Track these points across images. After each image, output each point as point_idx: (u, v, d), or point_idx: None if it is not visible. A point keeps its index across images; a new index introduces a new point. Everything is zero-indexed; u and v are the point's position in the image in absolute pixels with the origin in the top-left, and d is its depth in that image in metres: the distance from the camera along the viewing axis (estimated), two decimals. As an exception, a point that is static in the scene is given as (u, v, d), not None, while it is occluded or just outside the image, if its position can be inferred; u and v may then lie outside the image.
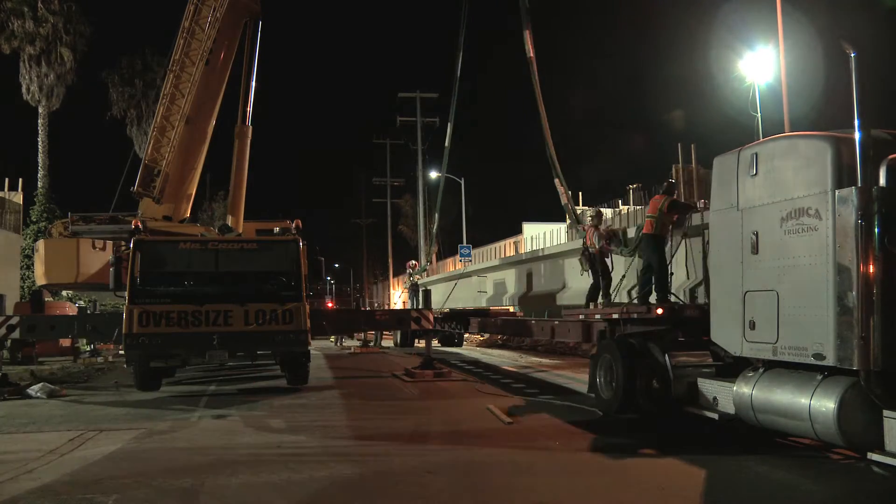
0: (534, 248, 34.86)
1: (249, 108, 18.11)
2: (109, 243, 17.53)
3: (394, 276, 66.26)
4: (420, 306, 20.77)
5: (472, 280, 26.67)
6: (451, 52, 26.71)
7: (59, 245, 18.08)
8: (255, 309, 13.94)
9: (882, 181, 7.11)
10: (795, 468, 7.89)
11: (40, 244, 18.93)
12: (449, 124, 27.21)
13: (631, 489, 7.25)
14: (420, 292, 24.04)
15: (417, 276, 32.13)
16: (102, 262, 16.85)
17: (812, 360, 7.52)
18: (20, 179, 37.05)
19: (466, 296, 27.41)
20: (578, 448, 9.13)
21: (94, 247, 18.02)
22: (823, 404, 7.25)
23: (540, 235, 42.29)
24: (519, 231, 49.93)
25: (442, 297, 30.49)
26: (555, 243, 34.78)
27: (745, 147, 8.98)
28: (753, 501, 6.85)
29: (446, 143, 27.45)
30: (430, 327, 17.83)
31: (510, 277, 21.72)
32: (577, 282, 16.39)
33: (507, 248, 50.05)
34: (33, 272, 24.06)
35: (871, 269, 6.99)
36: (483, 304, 24.91)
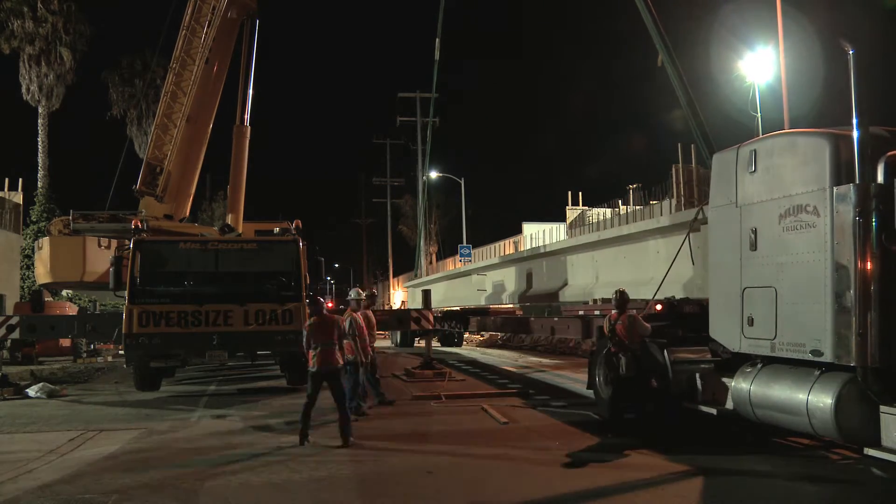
0: (534, 245, 34.82)
1: (248, 108, 18.11)
2: (114, 242, 17.52)
3: (394, 276, 66.24)
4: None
5: (471, 279, 26.68)
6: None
7: (64, 243, 18.07)
8: (254, 309, 13.96)
9: (880, 178, 7.12)
10: (795, 468, 7.90)
11: (44, 241, 18.88)
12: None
13: (630, 489, 7.25)
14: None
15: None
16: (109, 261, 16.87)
17: (810, 357, 7.53)
18: (20, 179, 37.10)
19: (466, 294, 27.43)
20: (577, 448, 9.12)
21: (99, 245, 18.02)
22: (821, 400, 7.26)
23: (539, 234, 42.29)
24: (519, 231, 49.97)
25: (442, 296, 30.57)
26: (555, 240, 34.78)
27: (744, 144, 8.98)
28: (753, 501, 6.85)
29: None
30: (430, 327, 17.83)
31: (510, 275, 21.72)
32: (579, 279, 16.40)
33: (506, 247, 50.07)
34: (33, 272, 24.06)
35: (869, 266, 7.00)
36: (482, 302, 24.91)
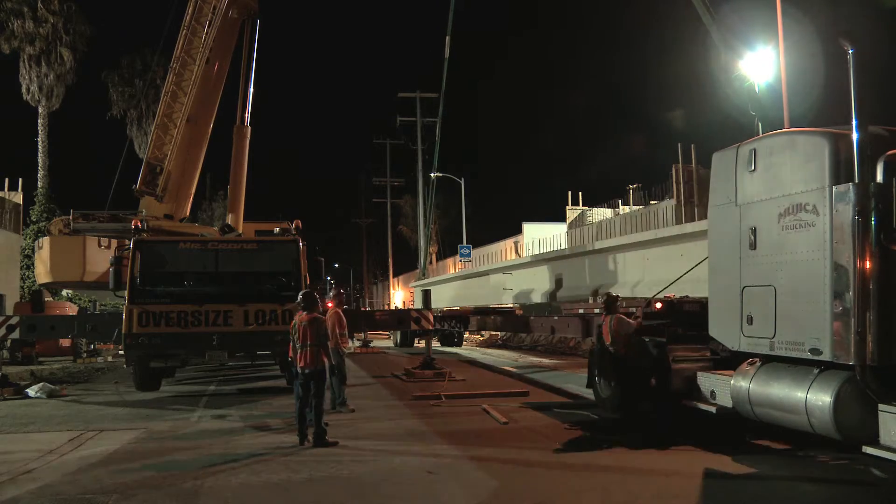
0: (541, 249, 34.56)
1: (248, 108, 18.12)
2: (114, 242, 17.53)
3: (394, 277, 66.25)
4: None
5: (490, 278, 26.52)
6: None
7: (64, 242, 18.07)
8: (254, 309, 13.96)
9: (879, 177, 7.14)
10: (795, 468, 7.90)
11: (45, 241, 18.88)
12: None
13: (630, 489, 7.26)
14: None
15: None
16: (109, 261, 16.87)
17: (809, 355, 7.54)
18: (20, 179, 37.06)
19: (483, 294, 27.22)
20: (577, 448, 9.14)
21: (99, 245, 18.02)
22: (820, 398, 7.28)
23: (552, 238, 42.28)
24: (519, 231, 49.95)
25: (452, 295, 30.45)
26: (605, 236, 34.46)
27: (743, 143, 8.99)
28: (753, 501, 6.85)
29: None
30: (430, 327, 17.85)
31: (541, 273, 21.53)
32: (624, 276, 16.31)
33: (507, 248, 50.00)
34: (33, 272, 24.06)
35: (868, 264, 7.01)
36: (510, 301, 24.72)
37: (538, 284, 21.55)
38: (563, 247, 31.15)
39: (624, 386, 10.17)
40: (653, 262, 15.19)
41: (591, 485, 7.45)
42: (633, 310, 11.18)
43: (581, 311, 13.71)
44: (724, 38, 14.77)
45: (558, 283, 19.73)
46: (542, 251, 30.77)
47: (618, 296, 10.87)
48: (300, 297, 10.11)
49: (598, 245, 19.11)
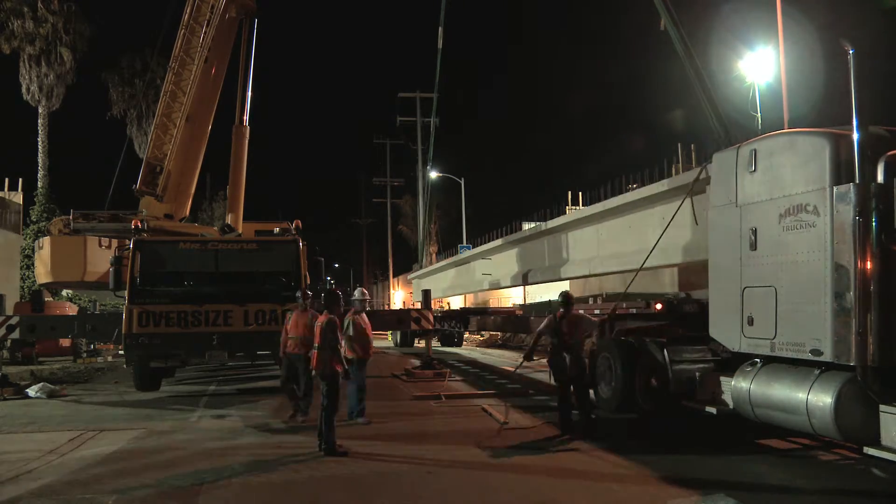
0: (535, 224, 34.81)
1: (247, 108, 18.09)
2: (115, 242, 17.51)
3: (394, 277, 66.21)
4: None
5: (475, 265, 26.68)
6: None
7: (65, 242, 18.05)
8: (254, 309, 13.96)
9: (880, 178, 7.14)
10: (794, 468, 7.90)
11: (45, 241, 18.85)
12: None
13: (630, 489, 7.26)
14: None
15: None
16: (109, 261, 16.84)
17: (809, 356, 7.54)
18: (20, 179, 37.00)
19: (471, 281, 27.38)
20: (577, 448, 9.13)
21: (100, 245, 18.01)
22: (820, 399, 7.28)
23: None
24: (518, 231, 49.84)
25: (446, 286, 30.64)
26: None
27: (744, 143, 9.00)
28: (753, 501, 6.85)
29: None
30: (430, 327, 17.84)
31: (512, 258, 21.64)
32: (581, 253, 16.34)
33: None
34: (33, 272, 24.05)
35: (869, 265, 7.01)
36: (486, 287, 24.86)
37: (511, 268, 21.60)
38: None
39: (574, 387, 9.99)
40: (605, 236, 15.11)
41: (591, 485, 7.45)
42: (634, 310, 11.18)
43: (581, 311, 13.68)
44: (699, 75, 14.37)
45: (529, 265, 19.78)
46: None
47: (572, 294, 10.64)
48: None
49: (552, 224, 18.90)
